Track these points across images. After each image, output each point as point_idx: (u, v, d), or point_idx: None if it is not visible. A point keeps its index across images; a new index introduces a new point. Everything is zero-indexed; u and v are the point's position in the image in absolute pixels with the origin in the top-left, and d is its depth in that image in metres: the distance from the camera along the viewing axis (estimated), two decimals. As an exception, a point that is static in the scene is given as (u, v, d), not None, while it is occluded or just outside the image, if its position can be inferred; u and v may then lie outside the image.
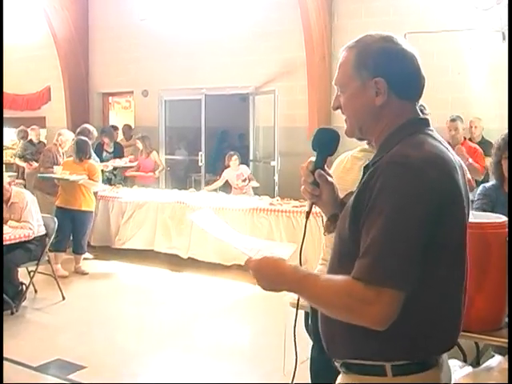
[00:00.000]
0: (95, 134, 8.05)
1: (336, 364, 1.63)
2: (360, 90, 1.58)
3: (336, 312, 1.51)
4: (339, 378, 1.65)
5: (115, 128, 10.34)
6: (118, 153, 9.40)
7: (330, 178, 1.71)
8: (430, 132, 1.58)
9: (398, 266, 1.40)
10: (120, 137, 10.35)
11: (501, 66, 7.10)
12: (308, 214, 1.72)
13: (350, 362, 1.57)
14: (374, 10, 8.36)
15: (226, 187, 8.46)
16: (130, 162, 9.08)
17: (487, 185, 3.58)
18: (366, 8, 8.46)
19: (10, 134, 12.72)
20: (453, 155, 1.56)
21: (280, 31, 9.10)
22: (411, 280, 1.42)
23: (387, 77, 1.55)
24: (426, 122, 1.61)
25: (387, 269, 1.40)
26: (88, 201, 6.98)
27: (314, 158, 1.70)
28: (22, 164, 9.84)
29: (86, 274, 6.95)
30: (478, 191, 3.53)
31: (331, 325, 1.58)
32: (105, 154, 8.96)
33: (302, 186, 1.71)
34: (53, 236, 5.94)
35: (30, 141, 9.88)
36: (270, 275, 1.56)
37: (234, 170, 8.22)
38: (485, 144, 7.61)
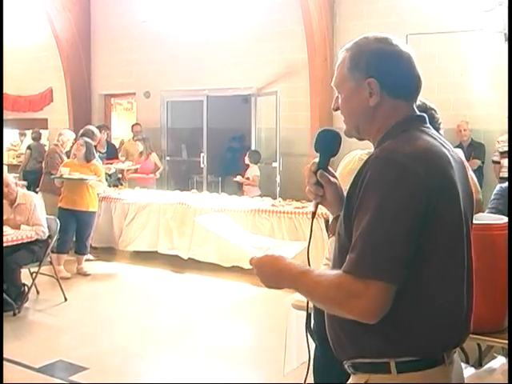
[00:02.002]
0: (98, 135, 8.06)
1: (345, 367, 1.63)
2: (354, 90, 1.61)
3: (327, 306, 1.54)
4: (350, 379, 1.65)
5: (106, 128, 10.20)
6: (111, 153, 9.36)
7: (332, 179, 1.74)
8: (424, 129, 1.59)
9: (384, 258, 1.41)
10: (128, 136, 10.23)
11: (503, 67, 7.10)
12: (313, 213, 1.75)
13: (357, 361, 1.58)
14: (375, 12, 8.36)
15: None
16: (136, 163, 9.07)
17: (504, 185, 3.52)
18: (368, 10, 8.46)
19: (13, 136, 12.75)
20: (449, 150, 1.58)
21: (282, 32, 9.11)
22: (399, 272, 1.43)
23: (379, 77, 1.57)
24: (422, 119, 1.63)
25: (373, 261, 1.42)
26: (93, 201, 6.99)
27: (317, 159, 1.74)
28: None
29: (88, 275, 6.95)
30: (495, 191, 3.49)
31: (335, 326, 1.60)
32: (97, 154, 8.90)
33: (307, 187, 1.75)
34: (55, 237, 5.94)
35: None
36: (270, 272, 1.60)
37: (249, 167, 8.61)
38: (474, 146, 7.61)
